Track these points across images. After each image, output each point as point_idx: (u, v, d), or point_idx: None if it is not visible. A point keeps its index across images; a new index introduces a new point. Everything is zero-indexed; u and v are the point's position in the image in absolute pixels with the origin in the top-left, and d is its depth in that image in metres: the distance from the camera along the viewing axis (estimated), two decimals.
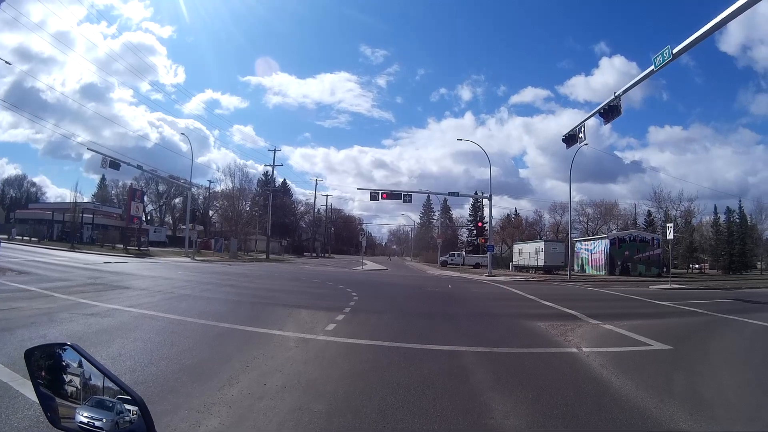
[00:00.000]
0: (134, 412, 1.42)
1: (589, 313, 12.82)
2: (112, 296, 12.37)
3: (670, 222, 35.66)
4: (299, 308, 12.35)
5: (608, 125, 28.35)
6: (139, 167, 46.53)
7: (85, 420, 1.39)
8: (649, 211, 71.50)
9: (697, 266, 69.20)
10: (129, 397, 1.43)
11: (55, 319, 8.68)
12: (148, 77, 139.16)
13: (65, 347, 1.55)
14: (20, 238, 52.68)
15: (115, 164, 39.88)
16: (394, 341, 8.42)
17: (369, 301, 15.82)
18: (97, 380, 1.48)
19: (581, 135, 25.91)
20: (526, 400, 5.26)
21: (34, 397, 1.82)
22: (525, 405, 5.07)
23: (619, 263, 45.33)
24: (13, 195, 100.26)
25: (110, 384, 1.46)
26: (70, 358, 1.52)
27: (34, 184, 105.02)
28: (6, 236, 46.83)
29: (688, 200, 65.70)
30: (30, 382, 1.61)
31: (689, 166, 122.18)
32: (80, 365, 1.48)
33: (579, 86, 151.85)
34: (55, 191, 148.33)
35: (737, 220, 68.37)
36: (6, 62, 34.76)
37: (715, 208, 71.59)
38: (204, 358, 6.74)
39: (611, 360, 7.39)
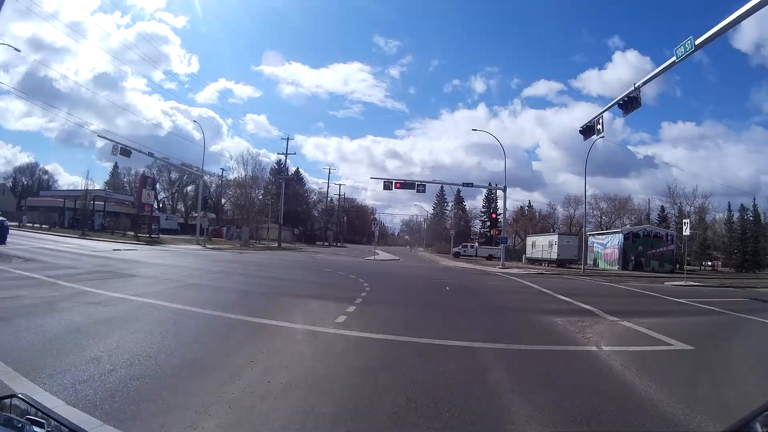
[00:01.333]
0: None
1: (606, 309, 12.36)
2: (118, 284, 12.10)
3: (685, 218, 35.01)
4: (309, 299, 12.03)
5: (622, 119, 27.94)
6: (150, 154, 46.49)
7: None
8: (662, 206, 70.87)
9: (709, 263, 68.16)
10: None
11: (55, 308, 8.38)
12: (162, 66, 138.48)
13: (14, 398, 1.47)
14: (31, 225, 52.87)
15: (126, 151, 39.87)
16: (406, 335, 8.05)
17: (381, 292, 15.47)
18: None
19: (599, 127, 25.32)
20: (547, 403, 4.88)
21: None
22: (546, 409, 4.70)
23: (632, 258, 44.74)
24: (25, 183, 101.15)
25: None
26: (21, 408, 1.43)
27: (46, 172, 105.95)
28: (17, 223, 47.03)
29: (703, 197, 65.11)
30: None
31: (702, 163, 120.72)
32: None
33: (592, 80, 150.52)
34: (68, 179, 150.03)
35: (751, 219, 67.47)
36: (16, 49, 34.54)
37: (729, 205, 70.76)
38: (206, 351, 6.39)
39: (633, 360, 7.00)
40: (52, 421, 1.35)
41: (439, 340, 7.83)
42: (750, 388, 6.06)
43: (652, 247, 45.62)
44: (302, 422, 4.07)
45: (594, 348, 7.85)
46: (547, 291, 18.33)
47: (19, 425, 1.30)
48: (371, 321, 9.42)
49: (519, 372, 6.23)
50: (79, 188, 57.40)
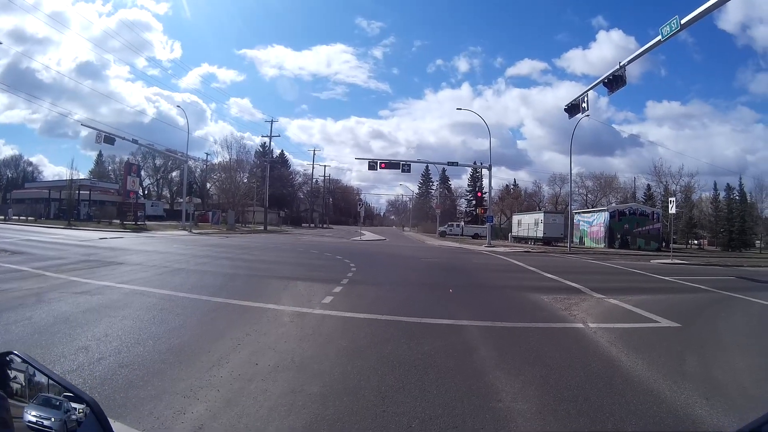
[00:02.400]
0: (81, 410, 1.36)
1: (592, 287, 12.52)
2: (105, 273, 12.03)
3: (671, 196, 35.42)
4: (296, 280, 12.04)
5: (606, 98, 28.18)
6: (134, 141, 45.97)
7: (33, 419, 1.32)
8: (648, 185, 71.58)
9: (696, 242, 69.08)
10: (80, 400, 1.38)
11: (43, 300, 8.30)
12: (145, 54, 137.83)
13: (9, 356, 1.46)
14: (16, 218, 52.16)
15: (109, 139, 39.58)
16: (393, 315, 8.12)
17: (367, 272, 15.53)
18: (47, 385, 1.43)
19: (584, 105, 25.53)
20: (534, 380, 4.98)
21: None
22: (533, 386, 4.80)
23: (618, 236, 45.28)
24: (10, 176, 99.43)
25: (61, 389, 1.41)
26: (16, 367, 1.46)
27: (30, 164, 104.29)
28: (2, 217, 46.39)
29: (689, 175, 65.85)
30: None
31: (688, 142, 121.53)
32: (27, 371, 1.44)
33: (576, 59, 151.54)
34: (53, 170, 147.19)
35: (737, 198, 68.21)
36: None
37: (715, 184, 71.39)
38: (193, 336, 6.40)
39: (619, 337, 7.12)
40: (48, 379, 1.40)
41: (426, 318, 7.91)
42: (737, 364, 6.16)
43: (638, 225, 46.12)
44: (290, 403, 4.12)
45: (581, 325, 7.97)
46: (533, 269, 18.53)
47: (57, 403, 1.37)
48: (358, 301, 9.48)
49: (506, 349, 6.30)
50: (64, 179, 56.51)
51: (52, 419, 1.33)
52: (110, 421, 1.42)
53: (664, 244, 47.35)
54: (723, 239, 65.09)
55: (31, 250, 18.18)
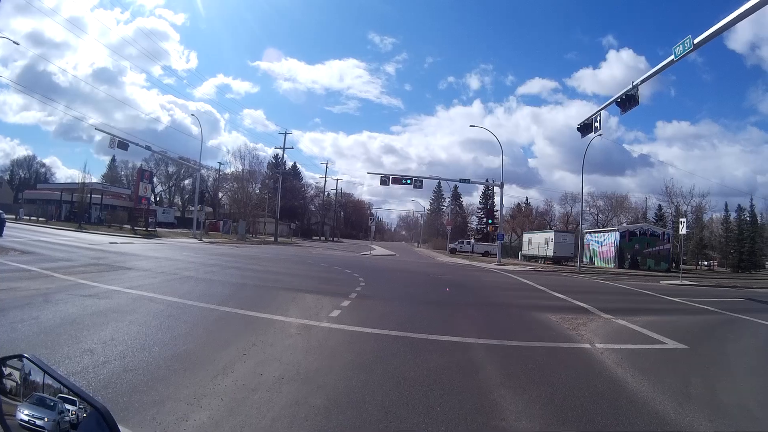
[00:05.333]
0: (74, 412, 1.35)
1: (601, 307, 12.40)
2: (113, 277, 12.10)
3: (682, 217, 35.12)
4: (304, 293, 12.02)
5: (616, 118, 28.33)
6: (147, 148, 46.41)
7: (26, 418, 1.32)
8: (659, 205, 70.98)
9: (705, 263, 68.25)
10: (90, 405, 1.36)
11: (51, 300, 8.37)
12: (161, 62, 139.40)
13: (22, 358, 1.44)
14: (27, 218, 52.56)
15: (123, 144, 40.02)
16: (400, 330, 8.07)
17: (376, 287, 15.49)
18: (57, 390, 1.41)
19: (596, 124, 25.53)
20: (539, 399, 4.91)
21: None
22: (538, 405, 4.73)
23: (628, 256, 44.94)
24: (23, 175, 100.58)
25: (71, 394, 1.38)
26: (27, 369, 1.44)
27: (43, 165, 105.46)
28: (14, 216, 46.75)
29: (700, 196, 65.43)
30: None
31: (698, 162, 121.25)
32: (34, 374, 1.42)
33: (586, 78, 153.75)
34: (65, 172, 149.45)
35: (748, 219, 67.06)
36: (14, 42, 34.49)
37: (726, 205, 70.42)
38: (199, 344, 6.40)
39: (626, 358, 7.03)
40: (58, 383, 1.39)
41: (433, 335, 7.85)
42: (742, 387, 6.08)
43: (648, 245, 45.77)
44: (293, 414, 4.09)
45: (588, 345, 7.87)
46: (542, 288, 18.39)
47: (51, 403, 1.36)
48: (366, 316, 9.44)
49: (511, 368, 6.23)
50: (77, 181, 56.85)
51: (45, 419, 1.32)
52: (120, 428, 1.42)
53: (673, 264, 46.84)
54: (733, 260, 64.13)
55: (41, 250, 18.34)
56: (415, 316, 10.00)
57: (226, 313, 8.64)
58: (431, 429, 3.97)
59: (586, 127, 26.49)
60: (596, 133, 27.29)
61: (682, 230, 28.17)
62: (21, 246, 19.30)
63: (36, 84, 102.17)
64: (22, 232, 28.32)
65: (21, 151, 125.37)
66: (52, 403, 1.36)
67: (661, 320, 11.19)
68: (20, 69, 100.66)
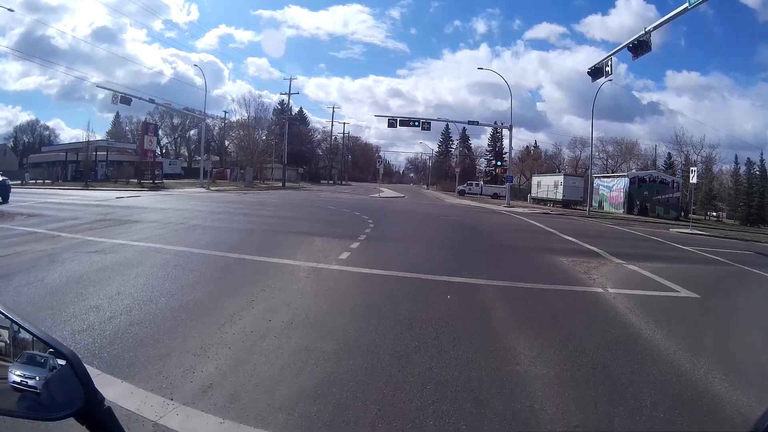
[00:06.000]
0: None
1: (612, 252, 12.15)
2: (120, 231, 11.99)
3: (693, 166, 34.53)
4: (312, 236, 11.92)
5: (625, 65, 27.50)
6: (151, 101, 46.00)
7: (18, 379, 1.18)
8: (669, 153, 70.43)
9: (714, 214, 67.48)
10: (58, 352, 1.20)
11: (56, 260, 8.19)
12: (162, 16, 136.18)
13: None
14: (33, 182, 52.18)
15: (126, 99, 39.88)
16: (410, 272, 7.95)
17: (385, 229, 15.38)
18: (27, 338, 1.26)
19: (607, 69, 24.97)
20: (552, 344, 4.79)
21: None
22: (552, 350, 4.61)
23: (637, 203, 44.39)
24: (27, 141, 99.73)
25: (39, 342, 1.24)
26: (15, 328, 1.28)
27: (47, 128, 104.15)
28: (19, 181, 46.56)
29: (710, 147, 64.78)
30: None
31: (707, 113, 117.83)
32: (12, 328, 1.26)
33: (595, 25, 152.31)
34: (70, 133, 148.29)
35: (757, 173, 65.94)
36: (8, 9, 33.37)
37: (736, 157, 69.20)
38: (207, 292, 6.29)
39: (639, 304, 6.82)
40: (24, 331, 1.23)
41: (443, 276, 7.74)
42: (755, 342, 5.87)
43: (657, 193, 45.24)
44: (303, 361, 3.99)
45: (600, 290, 7.69)
46: (552, 231, 18.17)
47: (42, 360, 1.21)
48: (375, 258, 9.32)
49: (524, 311, 6.12)
50: (81, 141, 56.55)
51: (37, 378, 1.19)
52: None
53: (682, 213, 46.57)
54: (742, 213, 63.13)
55: (47, 212, 18.19)
56: (425, 257, 9.89)
57: (234, 259, 8.53)
58: (443, 374, 3.86)
59: (596, 71, 26.03)
60: (607, 78, 26.58)
61: (693, 179, 27.66)
62: (27, 210, 19.13)
63: (35, 49, 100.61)
64: (29, 196, 28.05)
65: (24, 117, 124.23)
66: (42, 360, 1.23)
67: (672, 268, 10.90)
68: (18, 36, 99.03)
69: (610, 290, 7.67)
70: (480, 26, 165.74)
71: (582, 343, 4.89)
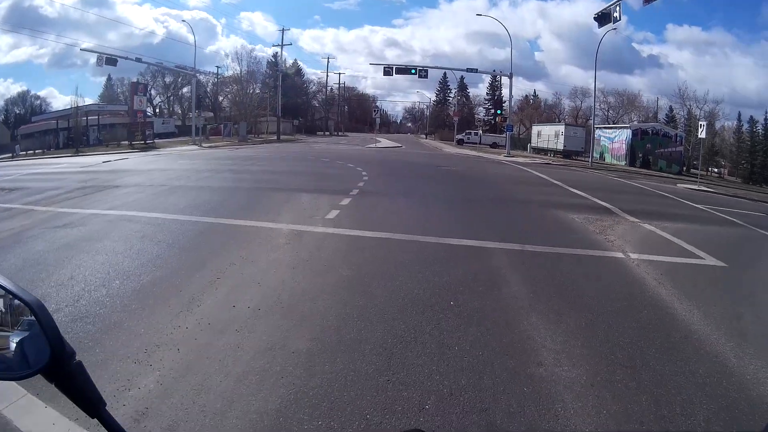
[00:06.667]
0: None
1: (624, 208, 11.11)
2: (97, 198, 11.03)
3: (701, 120, 33.04)
4: (300, 192, 11.02)
5: (625, 17, 25.66)
6: (138, 60, 44.66)
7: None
8: (671, 107, 68.61)
9: (716, 170, 66.23)
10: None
11: (21, 240, 7.18)
12: None
13: None
14: (24, 153, 50.51)
15: (111, 60, 39.26)
16: (406, 233, 7.05)
17: (380, 181, 14.36)
18: None
19: (616, 14, 23.56)
20: (578, 332, 3.95)
21: None
22: (579, 341, 3.78)
23: (640, 155, 42.73)
24: (18, 112, 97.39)
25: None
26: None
27: (38, 98, 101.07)
28: (10, 155, 45.28)
29: (714, 102, 62.36)
30: None
31: (709, 69, 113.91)
32: None
33: None
34: (63, 101, 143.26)
35: (761, 132, 64.34)
36: None
37: (739, 115, 67.14)
38: (169, 269, 5.39)
39: (666, 274, 5.90)
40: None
41: (445, 238, 6.83)
42: None
43: (660, 146, 43.57)
44: (266, 368, 3.15)
45: (620, 255, 6.78)
46: (557, 182, 17.01)
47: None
48: (367, 216, 8.42)
49: (540, 283, 5.22)
50: (72, 107, 54.97)
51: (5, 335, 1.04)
52: None
53: (684, 167, 45.29)
54: (744, 171, 62.11)
55: (31, 184, 17.04)
56: (423, 215, 8.94)
57: (209, 224, 7.65)
58: (447, 383, 3.00)
59: (603, 17, 24.69)
60: (615, 23, 24.96)
61: (702, 134, 26.14)
62: (10, 183, 18.01)
63: (23, 20, 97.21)
64: (16, 169, 26.64)
65: (16, 89, 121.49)
66: (11, 314, 1.06)
67: (691, 229, 9.82)
68: (4, 10, 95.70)
69: (632, 256, 6.76)
70: None
71: (612, 329, 4.06)
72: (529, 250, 6.62)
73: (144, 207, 9.39)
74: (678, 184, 24.91)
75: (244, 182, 13.42)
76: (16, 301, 1.02)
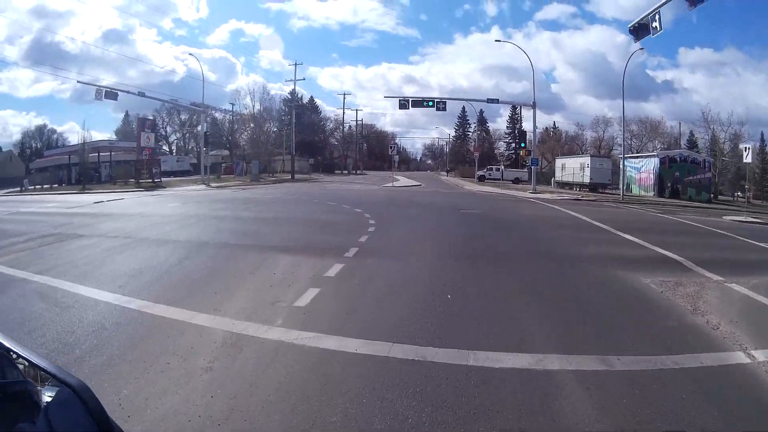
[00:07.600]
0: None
1: (693, 258, 8.58)
2: (45, 254, 9.01)
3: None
4: (281, 252, 8.63)
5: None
6: (141, 94, 43.50)
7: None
8: (691, 131, 67.21)
9: (741, 195, 63.55)
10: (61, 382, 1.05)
11: None
12: (171, 15, 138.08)
13: None
14: (33, 187, 49.30)
15: (111, 94, 38.11)
16: (412, 340, 4.44)
17: (388, 232, 11.84)
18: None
19: (655, 24, 20.47)
20: None
21: None
22: None
23: (668, 185, 40.13)
24: (35, 146, 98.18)
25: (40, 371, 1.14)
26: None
27: (54, 132, 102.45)
28: (18, 189, 44.16)
29: (738, 123, 60.11)
30: None
31: (723, 89, 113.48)
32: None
33: (605, 2, 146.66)
34: (82, 135, 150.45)
35: None
36: None
37: (762, 135, 64.98)
38: None
39: None
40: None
41: (477, 351, 4.19)
42: None
43: (689, 173, 41.09)
44: None
45: (743, 357, 4.23)
46: (599, 224, 14.34)
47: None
48: (357, 300, 5.72)
49: None
50: (87, 142, 54.32)
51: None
52: None
53: (713, 195, 42.95)
54: None
55: (6, 225, 15.05)
56: (440, 292, 6.20)
57: (122, 312, 5.22)
58: None
59: (641, 28, 21.80)
60: (654, 34, 22.29)
61: (747, 158, 23.79)
62: None
63: (45, 55, 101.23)
64: (10, 206, 24.83)
65: (37, 122, 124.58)
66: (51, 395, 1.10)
67: None
68: (28, 44, 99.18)
69: (754, 354, 4.25)
70: (490, 8, 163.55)
71: None
72: (620, 370, 3.91)
73: (77, 274, 7.32)
74: (724, 217, 21.86)
75: (222, 234, 11.19)
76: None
